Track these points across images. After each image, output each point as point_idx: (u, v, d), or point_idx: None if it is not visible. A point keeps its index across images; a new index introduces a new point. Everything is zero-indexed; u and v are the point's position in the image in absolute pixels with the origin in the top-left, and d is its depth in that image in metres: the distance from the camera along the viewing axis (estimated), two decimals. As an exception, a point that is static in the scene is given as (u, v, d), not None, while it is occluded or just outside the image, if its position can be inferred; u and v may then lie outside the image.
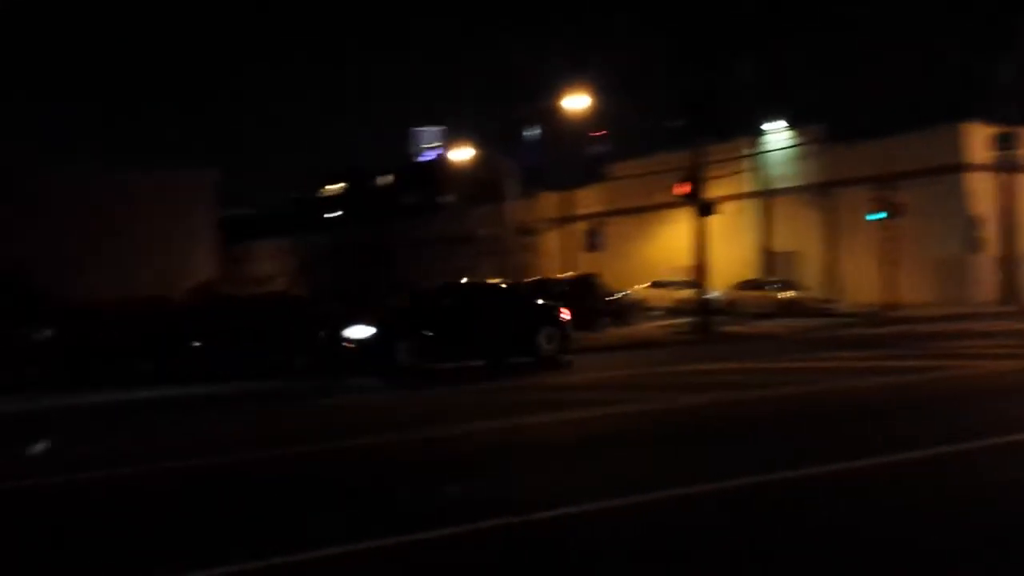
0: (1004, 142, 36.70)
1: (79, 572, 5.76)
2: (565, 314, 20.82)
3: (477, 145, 53.59)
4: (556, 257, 50.57)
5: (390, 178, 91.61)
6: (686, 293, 31.56)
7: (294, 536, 6.15)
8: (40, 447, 10.46)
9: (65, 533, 6.67)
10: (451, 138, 72.61)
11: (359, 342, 19.10)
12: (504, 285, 24.12)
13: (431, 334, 19.25)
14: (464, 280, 26.15)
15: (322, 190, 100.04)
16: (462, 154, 54.31)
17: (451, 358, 19.36)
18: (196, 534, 6.40)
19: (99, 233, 37.78)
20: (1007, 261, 36.51)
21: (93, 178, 39.57)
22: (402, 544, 5.83)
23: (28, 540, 6.58)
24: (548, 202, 52.82)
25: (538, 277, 37.57)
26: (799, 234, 42.11)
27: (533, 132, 63.22)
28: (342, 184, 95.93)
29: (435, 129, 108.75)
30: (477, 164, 54.57)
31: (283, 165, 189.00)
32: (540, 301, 21.85)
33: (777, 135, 43.89)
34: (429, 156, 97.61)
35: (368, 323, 19.32)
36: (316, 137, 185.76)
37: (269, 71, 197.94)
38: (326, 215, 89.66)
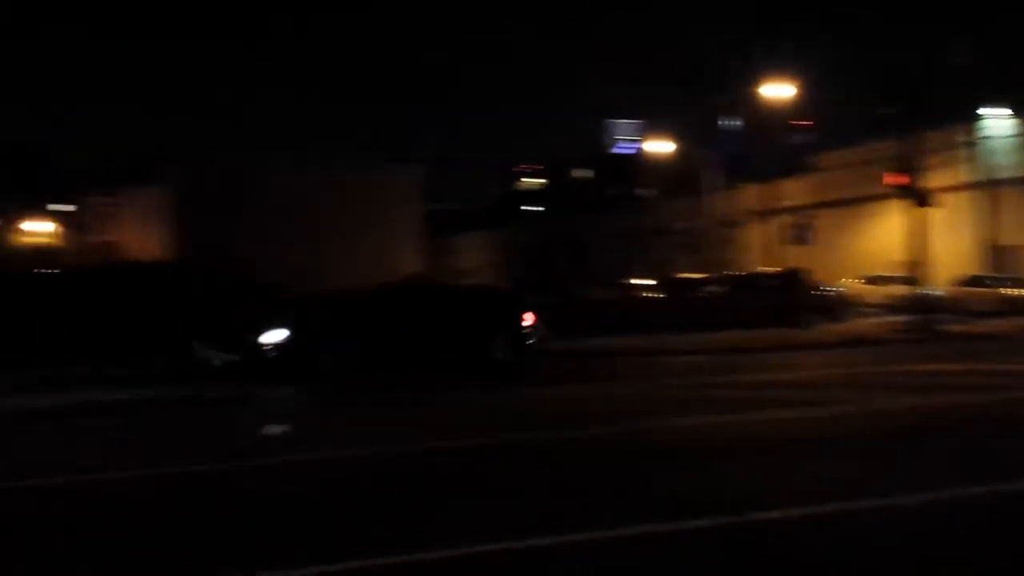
0: None
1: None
2: (528, 317, 18.57)
3: (675, 137, 52.95)
4: (758, 251, 49.30)
5: (587, 171, 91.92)
6: (903, 289, 30.10)
7: (501, 527, 6.21)
8: (275, 430, 11.07)
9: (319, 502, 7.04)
10: (648, 129, 72.02)
11: (279, 346, 16.83)
12: (457, 286, 22.03)
13: (361, 339, 16.94)
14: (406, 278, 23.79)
15: (519, 183, 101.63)
16: (660, 146, 53.80)
17: (384, 366, 16.98)
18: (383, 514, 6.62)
19: (316, 227, 39.80)
20: None
21: (309, 173, 41.74)
22: (611, 539, 5.81)
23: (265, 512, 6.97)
24: (749, 194, 51.54)
25: (748, 272, 36.76)
26: (1027, 227, 39.35)
27: (733, 123, 61.86)
28: (540, 178, 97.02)
29: (631, 121, 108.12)
30: (676, 156, 53.91)
31: (480, 160, 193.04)
32: (498, 302, 19.65)
33: (1000, 122, 41.12)
34: (625, 148, 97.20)
35: (286, 325, 17.05)
36: (510, 132, 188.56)
37: (458, 68, 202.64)
38: (524, 208, 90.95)
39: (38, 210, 51.51)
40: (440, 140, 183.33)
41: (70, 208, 50.54)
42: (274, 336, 16.83)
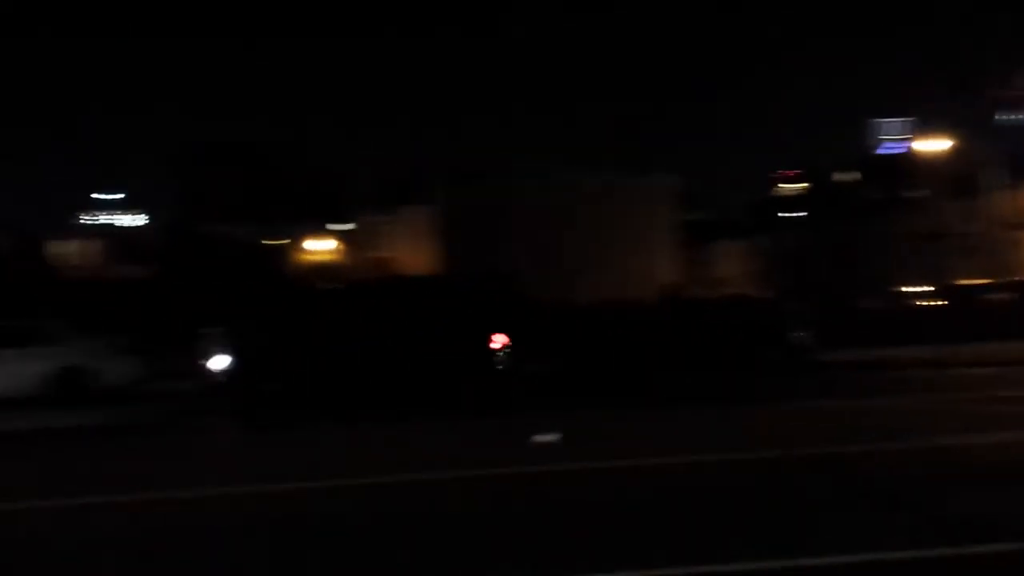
0: None
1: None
2: (497, 340, 17.06)
3: (949, 134, 49.63)
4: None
5: (851, 174, 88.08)
6: None
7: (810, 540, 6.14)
8: (547, 438, 11.31)
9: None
10: (918, 128, 68.07)
11: (223, 372, 16.53)
12: (422, 304, 18.77)
13: (302, 367, 16.30)
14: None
15: (777, 189, 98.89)
16: (932, 144, 50.55)
17: (332, 393, 16.20)
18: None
19: (575, 237, 40.54)
20: None
21: (567, 185, 42.57)
22: (901, 561, 5.57)
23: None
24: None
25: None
26: None
27: (1017, 117, 57.40)
28: (800, 183, 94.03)
29: (898, 120, 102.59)
30: (950, 155, 50.51)
31: (738, 167, 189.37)
32: (464, 323, 17.61)
33: None
34: (892, 148, 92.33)
35: (229, 352, 16.62)
36: (767, 137, 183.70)
37: (707, 76, 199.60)
38: (783, 214, 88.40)
39: (320, 230, 55.63)
40: (690, 148, 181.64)
41: (349, 227, 54.29)
42: (218, 363, 16.80)
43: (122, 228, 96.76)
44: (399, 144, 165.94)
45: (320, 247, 53.05)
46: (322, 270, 48.58)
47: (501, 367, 16.90)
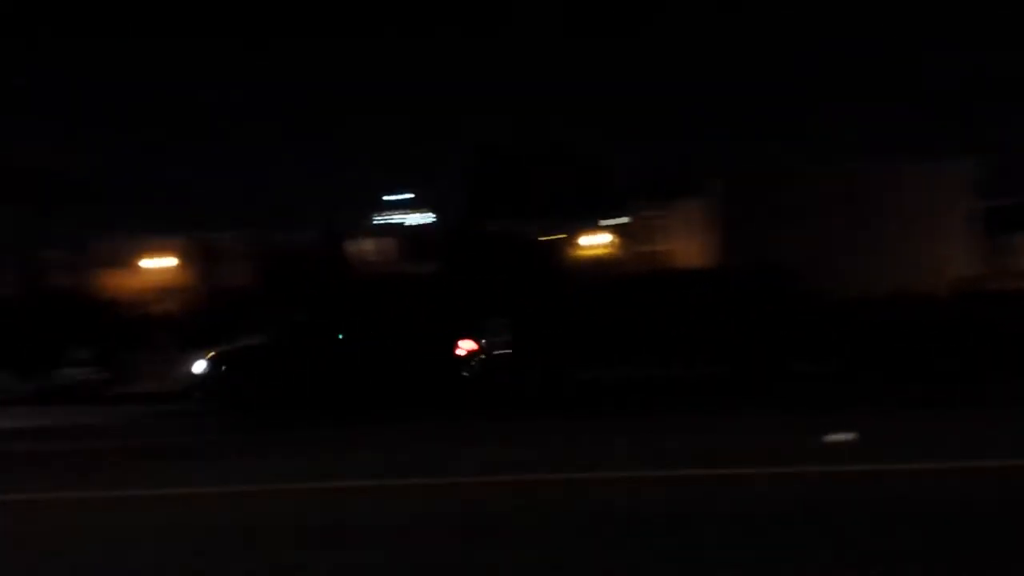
0: None
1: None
2: (463, 345, 17.15)
3: None
4: None
5: None
6: None
7: None
8: (840, 437, 10.84)
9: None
10: None
11: (201, 377, 17.36)
12: (385, 313, 19.26)
13: (267, 374, 16.70)
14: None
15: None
16: None
17: (301, 401, 16.58)
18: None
19: (858, 227, 38.59)
20: None
21: (849, 171, 40.57)
22: None
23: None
24: None
25: None
26: None
27: None
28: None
29: None
30: None
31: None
32: (429, 328, 17.73)
33: None
34: None
35: (206, 358, 17.25)
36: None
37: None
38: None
39: (593, 224, 56.20)
40: (999, 129, 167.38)
41: (623, 221, 54.46)
42: (198, 367, 17.83)
43: (411, 227, 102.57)
44: (669, 138, 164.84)
45: (594, 242, 53.63)
46: (597, 265, 49.12)
47: (467, 374, 17.72)
